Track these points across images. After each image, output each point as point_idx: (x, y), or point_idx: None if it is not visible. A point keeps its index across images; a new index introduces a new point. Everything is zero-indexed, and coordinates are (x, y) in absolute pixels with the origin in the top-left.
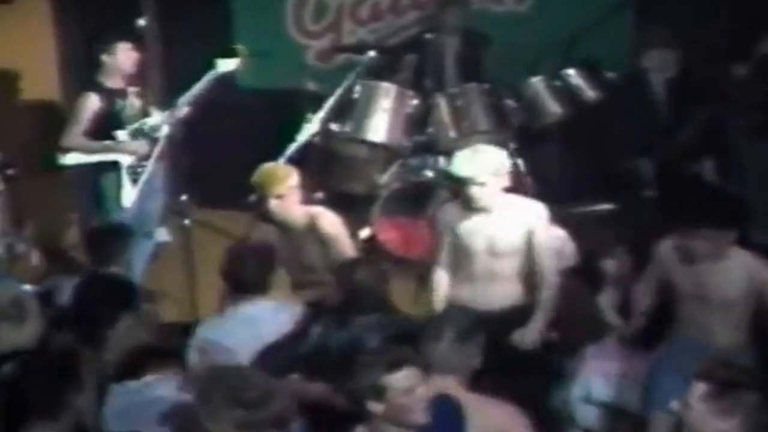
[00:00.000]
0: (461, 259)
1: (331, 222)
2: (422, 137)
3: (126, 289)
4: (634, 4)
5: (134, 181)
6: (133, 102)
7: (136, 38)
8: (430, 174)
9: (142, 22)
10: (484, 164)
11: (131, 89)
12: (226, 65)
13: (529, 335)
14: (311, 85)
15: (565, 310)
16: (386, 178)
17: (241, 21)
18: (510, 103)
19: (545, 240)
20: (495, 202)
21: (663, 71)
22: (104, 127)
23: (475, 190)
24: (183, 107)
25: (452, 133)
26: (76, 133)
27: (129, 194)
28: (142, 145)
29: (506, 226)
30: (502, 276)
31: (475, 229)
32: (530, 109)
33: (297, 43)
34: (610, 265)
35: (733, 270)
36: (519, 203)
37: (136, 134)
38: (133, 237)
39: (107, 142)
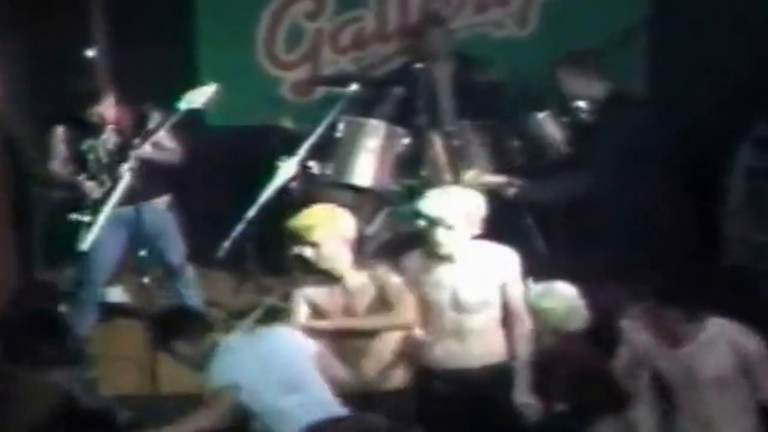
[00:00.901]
0: (428, 314)
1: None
2: (414, 181)
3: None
4: (650, 27)
5: (88, 225)
6: (109, 139)
7: (85, 70)
8: (423, 223)
9: (91, 53)
10: (455, 205)
11: (111, 126)
12: (192, 101)
13: (518, 399)
14: (287, 123)
15: (577, 377)
16: (373, 228)
17: (205, 50)
18: (513, 141)
19: (521, 291)
20: (462, 250)
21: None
22: (74, 162)
23: (441, 234)
24: (143, 148)
25: (448, 177)
26: (49, 164)
27: (85, 238)
28: (93, 188)
29: (474, 277)
30: (474, 332)
31: (439, 281)
32: (535, 147)
33: (269, 75)
34: (628, 326)
35: (715, 341)
36: (489, 250)
37: (97, 175)
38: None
39: (70, 178)
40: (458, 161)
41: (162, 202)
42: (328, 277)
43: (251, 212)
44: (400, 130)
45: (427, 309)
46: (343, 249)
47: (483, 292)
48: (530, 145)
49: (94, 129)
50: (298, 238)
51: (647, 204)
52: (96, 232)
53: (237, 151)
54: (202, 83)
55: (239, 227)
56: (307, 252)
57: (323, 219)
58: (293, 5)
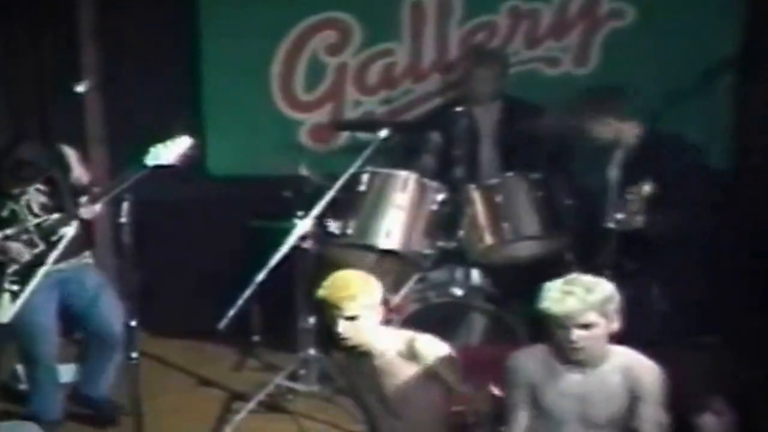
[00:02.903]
0: (543, 429)
1: (435, 347)
2: (449, 243)
3: None
4: (738, 66)
5: (13, 294)
6: (34, 197)
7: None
8: (459, 292)
9: (81, 87)
10: (589, 298)
11: (36, 184)
12: (160, 156)
13: None
14: (303, 172)
15: None
16: (400, 298)
17: (211, 88)
18: (567, 199)
19: (656, 411)
20: (600, 354)
21: None
22: None
23: (578, 335)
24: (89, 206)
25: (489, 239)
26: None
27: (7, 309)
28: (22, 251)
29: (607, 387)
30: None
31: (565, 390)
32: (596, 207)
33: (284, 118)
34: (709, 422)
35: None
36: (624, 355)
37: (21, 235)
38: None
39: None
40: (500, 220)
41: (88, 255)
42: (362, 353)
43: (259, 276)
44: (434, 183)
45: (543, 423)
46: (377, 320)
47: (615, 406)
48: (588, 204)
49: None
50: (333, 310)
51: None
52: (27, 299)
53: (243, 205)
54: (205, 125)
55: (245, 294)
56: (343, 328)
57: (361, 288)
58: (313, 37)
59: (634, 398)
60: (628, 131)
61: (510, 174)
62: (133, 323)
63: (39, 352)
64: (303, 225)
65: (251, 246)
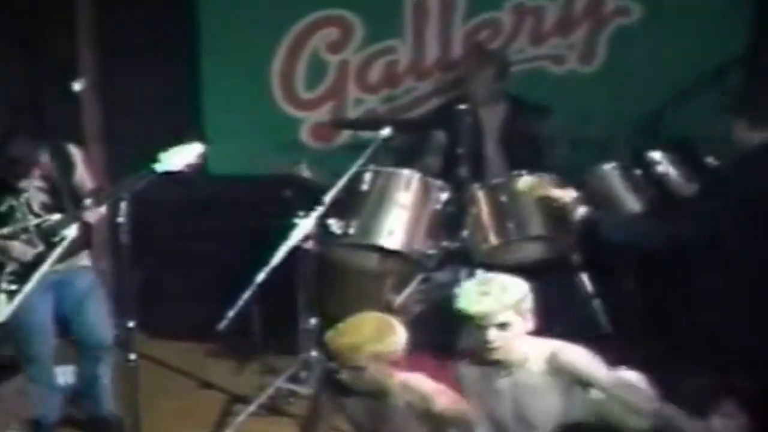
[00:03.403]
0: None
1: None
2: (453, 243)
3: None
4: (746, 63)
5: (10, 294)
6: (34, 196)
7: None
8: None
9: (78, 86)
10: (504, 297)
11: (36, 182)
12: (170, 162)
13: None
14: (304, 172)
15: None
16: (403, 299)
17: (210, 86)
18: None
19: (607, 377)
20: (520, 352)
21: None
22: None
23: (495, 335)
24: (94, 208)
25: (493, 239)
26: None
27: (3, 308)
28: (24, 251)
29: (536, 381)
30: None
31: (499, 393)
32: (600, 206)
33: (285, 116)
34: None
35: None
36: (544, 346)
37: (20, 234)
38: None
39: None
40: (505, 220)
41: (84, 257)
42: (368, 396)
43: (260, 277)
44: (437, 182)
45: (488, 425)
46: (390, 369)
47: (551, 404)
48: (592, 203)
49: (13, 187)
50: (338, 358)
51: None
52: (24, 299)
53: (243, 205)
54: (205, 124)
55: (245, 295)
56: (348, 375)
57: (371, 337)
58: (314, 34)
59: (572, 386)
60: None
61: (515, 173)
62: (131, 324)
63: (34, 353)
64: (304, 225)
65: (251, 246)
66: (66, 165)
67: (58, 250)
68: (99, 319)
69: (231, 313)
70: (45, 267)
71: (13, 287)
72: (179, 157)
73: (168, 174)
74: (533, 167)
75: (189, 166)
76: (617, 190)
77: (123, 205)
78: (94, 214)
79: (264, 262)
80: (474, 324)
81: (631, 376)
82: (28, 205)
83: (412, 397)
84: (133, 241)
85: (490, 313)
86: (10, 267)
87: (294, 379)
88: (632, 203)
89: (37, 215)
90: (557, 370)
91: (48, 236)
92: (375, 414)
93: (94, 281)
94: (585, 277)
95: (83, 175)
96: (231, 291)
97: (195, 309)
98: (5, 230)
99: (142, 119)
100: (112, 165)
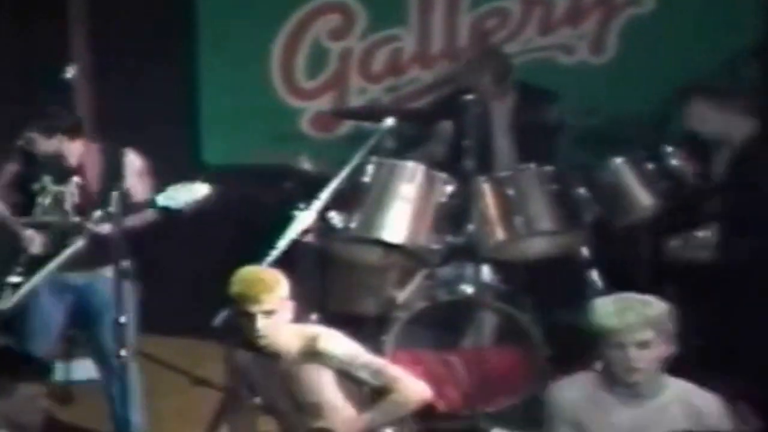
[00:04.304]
0: None
1: (340, 343)
2: (459, 238)
3: None
4: (760, 54)
5: (15, 286)
6: (68, 192)
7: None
8: (468, 290)
9: (69, 73)
10: (642, 313)
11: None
12: (174, 198)
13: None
14: (304, 163)
15: None
16: (407, 295)
17: (208, 73)
18: (582, 192)
19: None
20: (657, 381)
21: None
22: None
23: (636, 354)
24: (100, 224)
25: (500, 234)
26: None
27: (7, 298)
28: (33, 240)
29: (666, 421)
30: None
31: (617, 425)
32: (610, 200)
33: (285, 105)
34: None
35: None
36: (683, 387)
37: (42, 226)
38: None
39: (7, 218)
40: (512, 214)
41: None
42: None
43: None
44: (442, 175)
45: None
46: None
47: None
48: (603, 197)
49: (51, 170)
50: (252, 302)
51: None
52: (26, 295)
53: (241, 197)
54: (201, 113)
55: None
56: (258, 322)
57: (278, 282)
58: (316, 21)
59: None
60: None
61: (523, 166)
62: (123, 320)
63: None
64: (304, 218)
65: (249, 240)
66: (116, 171)
67: (65, 255)
68: (110, 338)
69: (227, 310)
70: (51, 267)
71: (18, 280)
72: (183, 195)
73: (167, 210)
74: (542, 160)
75: (190, 205)
76: (629, 185)
77: (115, 195)
78: (103, 229)
79: (262, 256)
80: (612, 342)
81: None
82: (58, 200)
83: (303, 342)
84: (125, 235)
85: (632, 327)
86: (21, 259)
87: None
88: (644, 198)
89: (64, 213)
90: (690, 412)
91: (59, 238)
92: (273, 373)
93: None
94: (595, 274)
95: (134, 187)
96: (227, 285)
97: (190, 305)
98: (25, 219)
99: (136, 108)
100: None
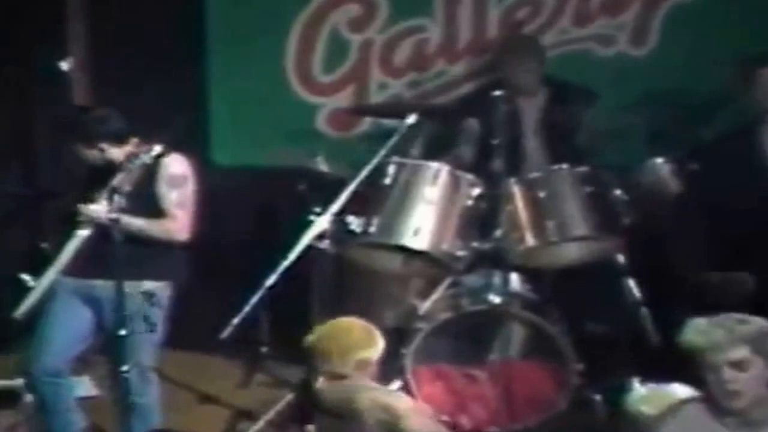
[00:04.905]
0: None
1: (425, 426)
2: (486, 244)
3: None
4: None
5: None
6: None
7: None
8: (496, 300)
9: (66, 65)
10: (739, 328)
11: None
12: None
13: None
14: (320, 164)
15: None
16: (429, 305)
17: (217, 67)
18: (619, 194)
19: None
20: (764, 405)
21: None
22: None
23: (731, 375)
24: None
25: (531, 240)
26: None
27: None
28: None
29: None
30: None
31: None
32: (649, 203)
33: (300, 101)
34: None
35: None
36: None
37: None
38: None
39: None
40: (543, 219)
41: (141, 290)
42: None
43: (270, 280)
44: (469, 176)
45: None
46: (369, 380)
47: None
48: (641, 200)
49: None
50: (322, 363)
51: None
52: (40, 299)
53: (252, 199)
54: (210, 109)
55: (253, 300)
56: (325, 384)
57: (361, 342)
58: (334, 10)
59: None
60: None
61: (555, 167)
62: (123, 332)
63: (37, 361)
64: (320, 222)
65: (260, 246)
66: (150, 170)
67: (68, 250)
68: (140, 347)
69: (236, 320)
70: (58, 264)
71: (31, 280)
72: None
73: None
74: (576, 160)
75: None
76: (669, 186)
77: (116, 198)
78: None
79: (274, 263)
80: (706, 364)
81: (682, 391)
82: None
83: (385, 416)
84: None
85: (720, 345)
86: (35, 257)
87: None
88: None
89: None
90: None
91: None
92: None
93: (144, 304)
94: (632, 283)
95: (164, 194)
96: (237, 295)
97: (196, 315)
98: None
99: (137, 104)
100: None
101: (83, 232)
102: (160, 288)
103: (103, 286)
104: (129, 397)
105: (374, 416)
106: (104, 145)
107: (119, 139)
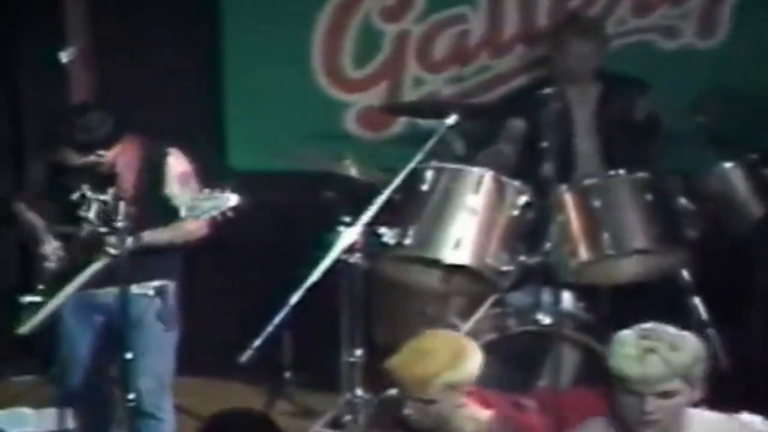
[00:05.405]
0: None
1: None
2: (534, 258)
3: None
4: None
5: (36, 305)
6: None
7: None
8: (545, 320)
9: (65, 56)
10: (675, 359)
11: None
12: (197, 209)
13: None
14: (350, 168)
15: None
16: (472, 325)
17: (234, 59)
18: (683, 203)
19: None
20: (677, 427)
21: None
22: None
23: (655, 405)
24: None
25: (584, 254)
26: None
27: (27, 319)
28: (52, 253)
29: None
30: None
31: None
32: (717, 213)
33: (328, 99)
34: None
35: None
36: (708, 423)
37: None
38: None
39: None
40: (599, 230)
41: (152, 286)
42: None
43: (294, 298)
44: (515, 182)
45: None
46: (463, 400)
47: None
48: (708, 209)
49: (88, 178)
50: (404, 389)
51: None
52: (47, 317)
53: (273, 209)
54: (226, 106)
55: (275, 319)
56: (413, 410)
57: (447, 364)
58: None
59: None
60: None
61: (612, 172)
62: (129, 356)
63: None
64: (349, 233)
65: (283, 259)
66: (155, 172)
67: (89, 272)
68: (149, 359)
69: (257, 342)
70: (74, 284)
71: (38, 299)
72: (207, 205)
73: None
74: (634, 165)
75: (212, 215)
76: (740, 193)
77: (122, 206)
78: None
79: (299, 278)
80: (628, 388)
81: (752, 421)
82: (103, 210)
83: (473, 427)
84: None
85: (654, 378)
86: (42, 275)
87: (335, 424)
88: (757, 210)
89: (112, 224)
90: None
91: (89, 248)
92: None
93: (152, 311)
94: (698, 301)
95: (176, 195)
96: (257, 314)
97: (212, 336)
98: (63, 228)
99: (144, 101)
100: None
101: (104, 260)
102: (169, 287)
103: (108, 292)
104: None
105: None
106: (101, 152)
107: (115, 141)
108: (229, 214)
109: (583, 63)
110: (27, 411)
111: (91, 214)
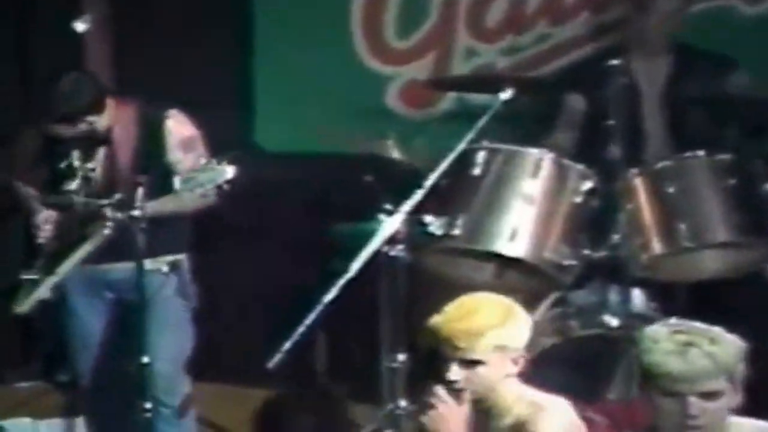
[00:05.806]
0: None
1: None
2: (600, 252)
3: None
4: None
5: (34, 282)
6: (96, 167)
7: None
8: (613, 321)
9: (81, 25)
10: (718, 353)
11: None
12: (193, 181)
13: None
14: (392, 150)
15: None
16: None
17: (264, 29)
18: None
19: None
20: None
21: None
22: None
23: (700, 407)
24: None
25: (657, 246)
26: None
27: (25, 297)
28: (45, 226)
29: None
30: None
31: None
32: None
33: (368, 72)
34: None
35: None
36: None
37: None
38: None
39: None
40: (674, 220)
41: (166, 261)
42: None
43: (328, 295)
44: (578, 166)
45: None
46: (510, 369)
47: None
48: None
49: (78, 144)
50: (449, 349)
51: None
52: (47, 295)
53: (305, 194)
54: (255, 81)
55: (308, 320)
56: (456, 373)
57: (496, 322)
58: None
59: None
60: None
61: (689, 154)
62: (146, 360)
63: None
64: (391, 222)
65: (317, 251)
66: (154, 137)
67: (87, 246)
68: (163, 342)
69: (287, 345)
70: (73, 260)
71: (36, 276)
72: (204, 178)
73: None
74: (712, 146)
75: (210, 190)
76: None
77: (140, 191)
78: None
79: (334, 273)
80: (668, 389)
81: None
82: (87, 179)
83: (526, 411)
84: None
85: (702, 373)
86: (41, 251)
87: None
88: None
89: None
90: None
91: (81, 224)
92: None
93: (167, 290)
94: None
95: (179, 160)
96: (287, 314)
97: (238, 339)
98: (53, 198)
99: (166, 74)
100: None
101: (105, 232)
102: (183, 261)
103: (120, 269)
104: None
105: (516, 412)
106: (91, 118)
107: (102, 104)
108: (225, 187)
109: (664, 24)
110: (30, 421)
111: (73, 186)
